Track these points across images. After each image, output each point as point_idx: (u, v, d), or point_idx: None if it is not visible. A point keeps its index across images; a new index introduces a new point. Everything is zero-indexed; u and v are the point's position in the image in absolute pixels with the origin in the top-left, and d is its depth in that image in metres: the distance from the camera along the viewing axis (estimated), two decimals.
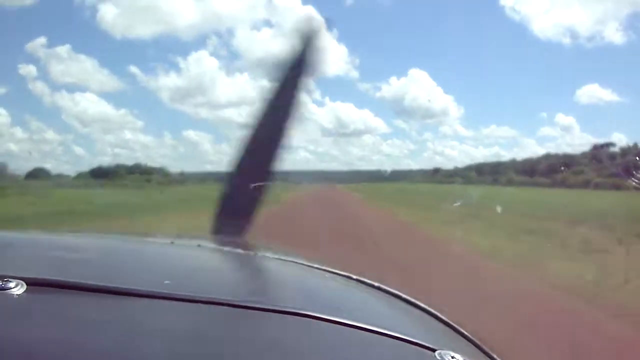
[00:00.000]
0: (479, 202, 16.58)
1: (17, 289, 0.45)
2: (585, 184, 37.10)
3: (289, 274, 0.75)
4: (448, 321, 0.67)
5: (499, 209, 12.99)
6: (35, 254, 0.65)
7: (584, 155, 46.29)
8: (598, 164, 42.60)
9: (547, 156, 52.09)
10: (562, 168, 42.83)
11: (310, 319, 0.48)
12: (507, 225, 11.01)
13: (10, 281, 0.45)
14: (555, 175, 42.22)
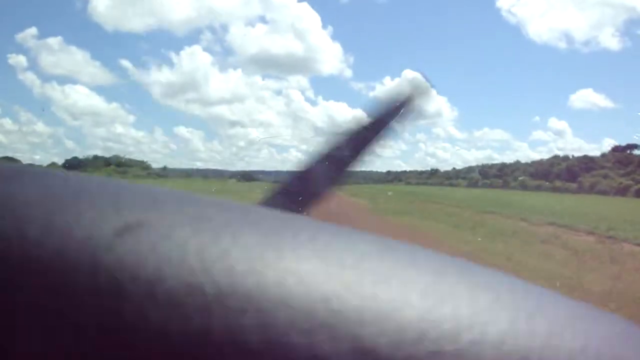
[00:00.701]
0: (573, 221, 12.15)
1: None
2: (622, 191, 33.84)
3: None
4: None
5: None
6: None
7: (605, 158, 43.09)
8: (625, 168, 39.51)
9: (556, 158, 48.92)
10: (581, 171, 39.42)
11: None
12: None
13: None
14: (581, 180, 38.80)
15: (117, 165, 38.20)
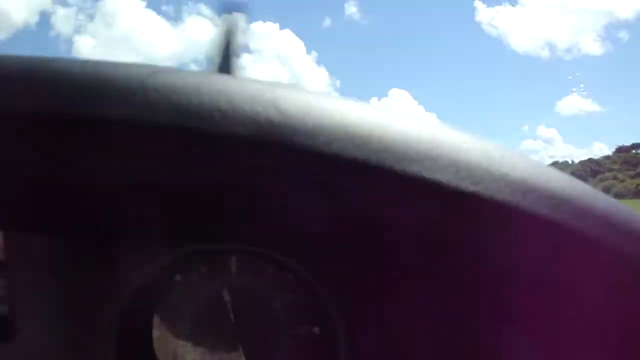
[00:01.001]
0: None
1: None
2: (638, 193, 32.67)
3: None
4: None
5: None
6: None
7: (610, 159, 41.99)
8: (634, 168, 38.38)
9: (556, 164, 47.76)
10: (587, 175, 38.22)
11: None
12: None
13: None
14: (592, 184, 37.49)
15: None
